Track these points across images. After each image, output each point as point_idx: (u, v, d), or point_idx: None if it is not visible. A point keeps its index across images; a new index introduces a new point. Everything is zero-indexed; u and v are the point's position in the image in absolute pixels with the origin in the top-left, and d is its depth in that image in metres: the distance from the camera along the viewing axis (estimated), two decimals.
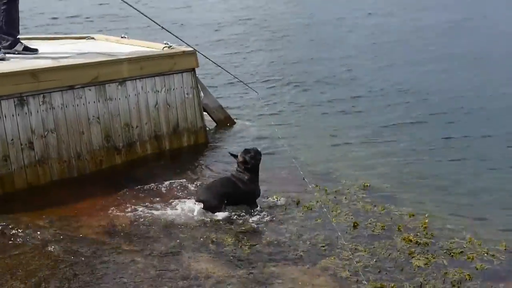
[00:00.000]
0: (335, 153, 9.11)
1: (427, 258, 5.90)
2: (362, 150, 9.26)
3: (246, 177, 6.96)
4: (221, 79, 13.29)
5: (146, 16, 8.78)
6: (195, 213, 6.80)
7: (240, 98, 12.25)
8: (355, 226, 6.57)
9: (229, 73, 10.15)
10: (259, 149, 7.19)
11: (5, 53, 8.51)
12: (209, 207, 6.85)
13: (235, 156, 7.12)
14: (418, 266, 5.76)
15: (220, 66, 9.62)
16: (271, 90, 12.96)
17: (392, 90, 12.78)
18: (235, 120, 10.34)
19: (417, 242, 6.20)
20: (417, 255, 5.96)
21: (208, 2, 26.96)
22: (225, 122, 10.13)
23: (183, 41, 9.05)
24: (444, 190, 7.80)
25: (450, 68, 14.77)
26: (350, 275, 5.59)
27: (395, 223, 6.65)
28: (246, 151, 7.04)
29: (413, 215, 6.83)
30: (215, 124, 10.11)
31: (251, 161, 6.96)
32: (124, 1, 8.47)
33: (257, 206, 7.01)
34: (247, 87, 10.57)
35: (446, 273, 5.62)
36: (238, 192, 6.93)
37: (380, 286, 5.40)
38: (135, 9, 8.74)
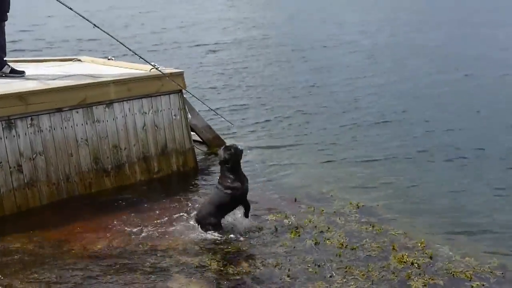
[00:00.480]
0: (328, 174, 9.11)
1: (425, 279, 5.90)
2: (355, 170, 9.28)
3: (229, 180, 6.87)
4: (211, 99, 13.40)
5: (119, 42, 8.74)
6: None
7: (230, 116, 12.25)
8: (348, 247, 6.54)
9: (200, 100, 9.93)
10: (239, 147, 7.05)
11: None
12: (206, 226, 6.87)
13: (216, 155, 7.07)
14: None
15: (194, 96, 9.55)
16: (262, 111, 12.98)
17: (387, 112, 12.77)
18: (224, 140, 10.34)
19: (413, 262, 6.20)
20: (414, 276, 5.95)
21: (204, 21, 27.06)
22: (213, 141, 10.11)
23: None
24: (440, 209, 7.82)
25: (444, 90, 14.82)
26: None
27: (390, 243, 6.65)
28: (226, 148, 6.93)
29: (408, 235, 6.85)
30: (204, 144, 10.11)
31: (231, 158, 6.85)
32: (96, 26, 8.46)
33: (248, 208, 7.03)
34: (223, 118, 10.49)
35: None
36: (228, 199, 6.89)
37: None
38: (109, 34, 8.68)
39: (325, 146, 10.46)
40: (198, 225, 7.00)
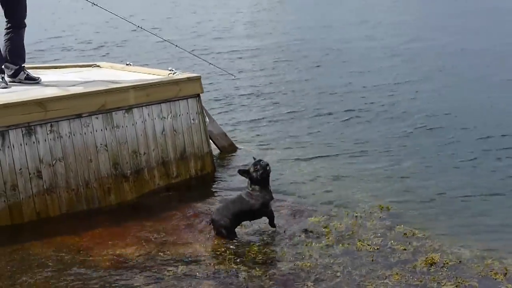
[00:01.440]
0: (348, 178, 9.01)
1: (456, 282, 5.85)
2: (377, 173, 9.19)
3: (256, 192, 6.93)
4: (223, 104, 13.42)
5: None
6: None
7: (244, 123, 12.26)
8: (374, 251, 6.49)
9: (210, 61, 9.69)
10: (267, 163, 7.09)
11: (10, 81, 8.58)
12: (220, 228, 6.87)
13: (245, 172, 7.06)
14: None
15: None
16: (276, 114, 12.94)
17: (424, 118, 12.35)
18: (238, 147, 10.33)
19: (443, 265, 6.15)
20: (444, 278, 5.90)
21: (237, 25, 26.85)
22: (228, 149, 10.13)
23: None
24: (468, 211, 7.78)
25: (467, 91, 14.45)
26: None
27: (418, 246, 6.60)
28: (255, 165, 6.98)
29: (435, 238, 6.79)
30: (218, 151, 10.10)
31: (258, 174, 6.91)
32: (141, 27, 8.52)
33: (273, 217, 7.05)
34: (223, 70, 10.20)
35: None
36: (248, 207, 6.90)
37: None
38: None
39: (344, 150, 10.39)
40: (211, 223, 7.00)
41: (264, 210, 6.97)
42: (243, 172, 7.06)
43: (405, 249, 6.53)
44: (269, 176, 7.03)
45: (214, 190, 8.58)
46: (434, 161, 9.67)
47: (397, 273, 6.03)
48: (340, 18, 28.08)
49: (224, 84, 15.61)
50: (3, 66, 8.57)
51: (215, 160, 9.43)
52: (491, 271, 6.03)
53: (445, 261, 6.25)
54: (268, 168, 6.97)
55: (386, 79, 15.80)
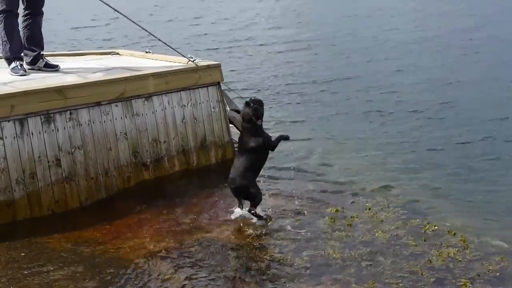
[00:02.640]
0: (368, 167, 8.89)
1: (473, 274, 5.74)
2: (397, 164, 9.04)
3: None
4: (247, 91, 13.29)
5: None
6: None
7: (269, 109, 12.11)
8: (392, 243, 6.37)
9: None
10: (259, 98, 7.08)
11: (28, 69, 8.53)
12: (240, 187, 6.89)
13: (238, 111, 7.05)
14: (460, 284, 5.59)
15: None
16: (298, 104, 12.81)
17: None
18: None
19: (459, 259, 6.02)
20: (461, 274, 5.76)
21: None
22: None
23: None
24: (488, 204, 7.63)
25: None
26: None
27: (436, 238, 6.47)
28: (247, 104, 6.93)
29: (454, 230, 6.63)
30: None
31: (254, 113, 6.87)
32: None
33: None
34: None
35: None
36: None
37: None
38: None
39: (366, 137, 10.27)
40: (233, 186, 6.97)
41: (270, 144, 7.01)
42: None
43: (420, 242, 6.39)
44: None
45: None
46: (455, 154, 9.51)
47: (412, 267, 5.90)
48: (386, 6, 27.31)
49: (249, 73, 15.52)
50: (22, 54, 8.51)
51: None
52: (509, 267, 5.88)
53: (462, 255, 6.10)
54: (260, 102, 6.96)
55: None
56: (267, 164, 7.42)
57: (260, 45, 19.81)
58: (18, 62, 8.37)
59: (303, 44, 19.73)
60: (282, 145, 9.05)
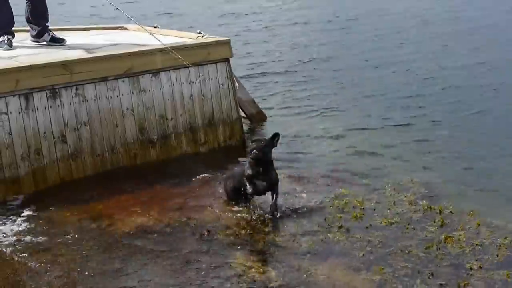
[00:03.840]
0: (379, 149, 8.67)
1: (484, 258, 5.61)
2: (411, 147, 8.82)
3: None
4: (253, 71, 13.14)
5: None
6: None
7: (275, 92, 11.96)
8: (402, 227, 6.24)
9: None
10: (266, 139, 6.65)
11: (34, 41, 8.44)
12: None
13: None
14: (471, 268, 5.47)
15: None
16: (306, 84, 12.57)
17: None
18: (267, 115, 10.08)
19: (471, 244, 5.88)
20: (472, 258, 5.63)
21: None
22: (257, 117, 9.86)
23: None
24: (503, 188, 7.38)
25: None
26: None
27: (446, 221, 6.32)
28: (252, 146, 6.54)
29: (464, 212, 6.50)
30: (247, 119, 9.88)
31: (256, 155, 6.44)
32: None
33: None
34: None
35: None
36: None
37: None
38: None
39: (376, 118, 10.08)
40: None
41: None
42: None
43: (433, 226, 6.25)
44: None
45: (242, 158, 8.36)
46: (470, 138, 9.22)
47: (424, 251, 5.78)
48: None
49: (256, 51, 15.31)
50: (12, 28, 8.46)
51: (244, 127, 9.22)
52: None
53: (476, 239, 5.97)
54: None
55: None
56: (280, 147, 7.26)
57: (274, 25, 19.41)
58: (6, 37, 8.26)
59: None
60: (293, 128, 8.99)
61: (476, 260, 5.57)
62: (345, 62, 14.22)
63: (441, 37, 16.34)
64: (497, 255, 5.67)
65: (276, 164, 6.85)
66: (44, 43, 8.53)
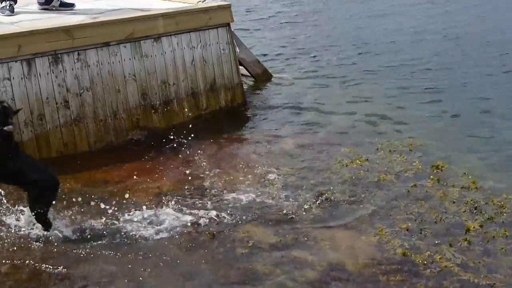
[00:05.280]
0: (380, 111, 8.68)
1: (483, 218, 5.69)
2: (412, 108, 8.85)
3: None
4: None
5: None
6: None
7: (280, 53, 11.94)
8: (403, 188, 6.32)
9: None
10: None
11: (42, 8, 8.37)
12: None
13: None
14: (474, 228, 5.55)
15: None
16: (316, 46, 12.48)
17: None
18: (272, 74, 10.11)
19: (469, 202, 5.97)
20: (470, 215, 5.75)
21: None
22: (262, 76, 9.92)
23: None
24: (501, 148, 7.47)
25: None
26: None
27: (446, 182, 6.41)
28: None
29: (464, 173, 6.58)
30: (252, 78, 9.91)
31: None
32: None
33: None
34: None
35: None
36: None
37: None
38: None
39: (379, 83, 10.03)
40: None
41: None
42: None
43: (432, 185, 6.36)
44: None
45: (244, 121, 8.41)
46: (471, 100, 9.23)
47: (423, 209, 5.89)
48: None
49: (259, 13, 15.22)
50: None
51: (248, 89, 9.24)
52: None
53: (474, 197, 6.07)
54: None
55: None
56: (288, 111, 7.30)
57: None
58: (8, 2, 8.21)
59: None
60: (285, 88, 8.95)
61: (476, 219, 5.67)
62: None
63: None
64: (499, 213, 5.78)
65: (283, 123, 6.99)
66: (54, 8, 8.44)
